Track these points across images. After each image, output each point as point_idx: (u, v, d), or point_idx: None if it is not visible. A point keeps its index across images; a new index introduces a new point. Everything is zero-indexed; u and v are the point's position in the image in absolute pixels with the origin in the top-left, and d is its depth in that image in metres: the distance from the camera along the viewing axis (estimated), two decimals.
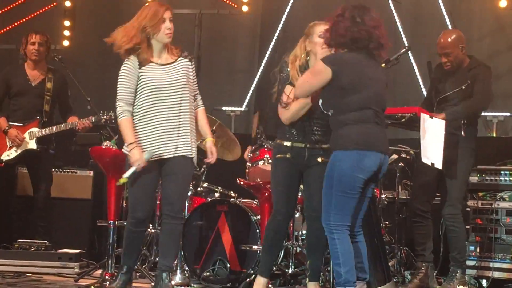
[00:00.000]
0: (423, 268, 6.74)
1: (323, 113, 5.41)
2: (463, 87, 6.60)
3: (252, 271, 6.63)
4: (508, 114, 9.36)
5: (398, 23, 9.80)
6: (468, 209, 7.22)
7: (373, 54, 5.27)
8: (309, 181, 5.81)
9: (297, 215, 6.99)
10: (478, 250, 7.15)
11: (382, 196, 7.28)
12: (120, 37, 5.66)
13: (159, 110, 5.66)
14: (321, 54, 5.63)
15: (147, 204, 5.78)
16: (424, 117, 6.11)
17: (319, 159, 5.72)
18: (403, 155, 7.24)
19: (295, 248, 6.83)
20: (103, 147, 6.58)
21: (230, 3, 10.43)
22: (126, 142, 5.66)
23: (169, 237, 5.74)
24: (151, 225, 7.59)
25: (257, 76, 10.31)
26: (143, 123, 5.68)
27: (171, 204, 5.71)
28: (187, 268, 6.81)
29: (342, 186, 5.09)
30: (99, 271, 6.81)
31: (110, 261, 6.47)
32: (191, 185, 7.19)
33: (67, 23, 10.58)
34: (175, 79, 5.74)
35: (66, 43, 10.53)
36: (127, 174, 5.62)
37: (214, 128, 7.20)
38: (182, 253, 6.74)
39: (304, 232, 6.95)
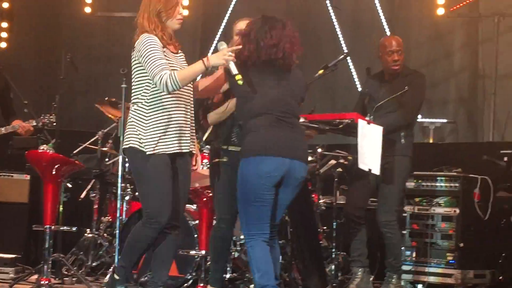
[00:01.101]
0: (359, 273, 6.79)
1: None
2: (400, 93, 6.67)
3: (190, 276, 6.61)
4: (445, 120, 9.48)
5: (338, 30, 9.87)
6: (405, 214, 7.30)
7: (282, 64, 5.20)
8: None
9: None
10: (414, 255, 7.24)
11: (320, 201, 7.32)
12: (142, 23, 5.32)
13: (178, 100, 5.15)
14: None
15: (171, 206, 5.17)
16: (362, 123, 6.16)
17: None
18: (341, 161, 7.30)
19: (233, 253, 6.82)
20: (40, 151, 6.50)
21: None
22: (199, 65, 5.04)
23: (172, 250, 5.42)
24: (88, 229, 7.55)
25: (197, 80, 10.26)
26: (161, 113, 5.11)
27: (178, 212, 5.30)
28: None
29: (247, 195, 5.03)
30: (35, 277, 6.72)
31: (46, 267, 6.38)
32: (129, 189, 7.16)
33: (4, 24, 10.43)
34: None
35: (3, 45, 10.39)
36: (234, 69, 4.96)
37: None
38: (119, 258, 6.68)
39: (242, 237, 6.95)
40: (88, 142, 7.80)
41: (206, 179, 6.77)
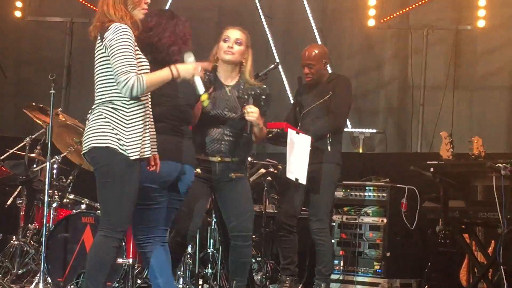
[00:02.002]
0: (287, 281, 6.81)
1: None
2: (325, 99, 6.73)
3: (117, 285, 6.55)
4: (374, 130, 9.58)
5: (270, 39, 9.91)
6: (334, 223, 7.35)
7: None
8: (225, 200, 5.64)
9: None
10: (342, 264, 7.30)
11: None
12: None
13: (148, 100, 4.83)
14: (224, 59, 5.65)
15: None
16: (291, 132, 6.20)
17: (232, 175, 5.58)
18: (271, 169, 7.31)
19: None
20: None
21: None
22: (167, 74, 4.73)
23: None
24: (14, 236, 7.43)
25: None
26: (140, 113, 4.73)
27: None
28: (50, 281, 6.66)
29: (139, 199, 4.92)
30: None
31: None
32: (56, 196, 7.08)
33: None
34: None
35: None
36: (201, 88, 4.80)
37: (82, 139, 7.09)
38: (45, 265, 6.59)
39: None
40: (15, 148, 7.68)
41: None
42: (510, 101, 9.17)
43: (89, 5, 10.24)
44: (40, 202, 7.32)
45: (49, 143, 6.50)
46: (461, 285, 6.82)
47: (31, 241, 7.40)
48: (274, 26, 10.04)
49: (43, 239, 6.59)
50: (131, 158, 4.66)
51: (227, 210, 5.64)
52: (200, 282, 6.76)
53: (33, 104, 7.32)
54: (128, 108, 4.69)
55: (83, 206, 7.12)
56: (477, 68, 9.37)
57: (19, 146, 7.65)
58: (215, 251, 6.84)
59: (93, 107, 4.83)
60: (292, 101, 9.52)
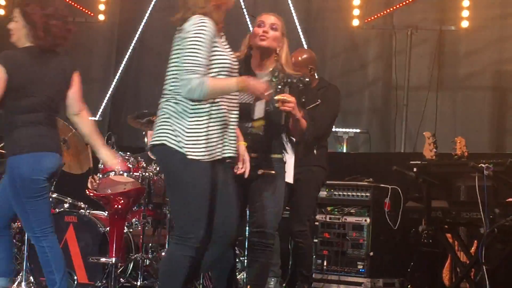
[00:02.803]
0: (271, 283, 6.81)
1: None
2: (311, 106, 6.71)
3: (99, 284, 6.54)
4: (358, 130, 9.60)
5: None
6: (317, 223, 7.36)
7: (53, 51, 5.16)
8: (249, 197, 5.17)
9: (147, 227, 6.94)
10: (325, 263, 7.31)
11: None
12: None
13: (227, 101, 4.56)
14: (258, 45, 5.16)
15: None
16: None
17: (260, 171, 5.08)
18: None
19: (145, 261, 6.78)
20: None
21: (87, 11, 10.29)
22: (233, 85, 4.46)
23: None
24: None
25: (113, 85, 10.21)
26: (206, 111, 4.46)
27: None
28: (32, 280, 6.64)
29: (29, 192, 5.00)
30: None
31: None
32: None
33: None
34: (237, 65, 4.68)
35: None
36: (259, 113, 4.58)
37: (67, 137, 7.09)
38: (28, 264, 6.57)
39: (154, 244, 6.92)
40: None
41: (118, 185, 6.73)
42: (493, 101, 9.21)
43: (73, 3, 10.22)
44: None
45: None
46: (443, 285, 6.84)
47: (14, 240, 7.37)
48: None
49: (26, 238, 6.57)
50: (188, 157, 4.37)
51: (249, 207, 5.25)
52: None
53: None
54: (192, 106, 4.41)
55: (66, 205, 7.12)
56: (461, 68, 9.40)
57: (1, 145, 7.61)
58: None
59: (159, 102, 4.60)
60: None
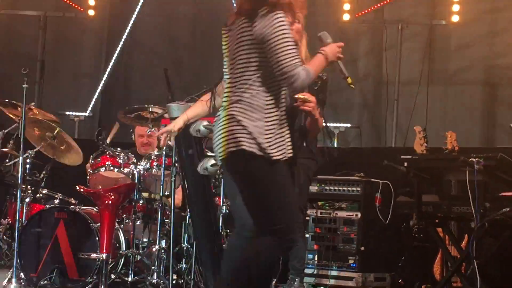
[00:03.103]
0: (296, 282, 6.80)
1: None
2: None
3: (90, 279, 6.53)
4: (349, 125, 9.60)
5: None
6: (308, 218, 7.35)
7: None
8: None
9: (138, 222, 6.93)
10: (316, 258, 7.30)
11: (223, 204, 7.30)
12: None
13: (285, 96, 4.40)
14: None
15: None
16: None
17: None
18: None
19: (135, 257, 6.76)
20: None
21: (76, 6, 10.25)
22: (323, 60, 4.37)
23: None
24: None
25: (103, 81, 10.19)
26: (278, 110, 4.30)
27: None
28: (23, 276, 6.62)
29: None
30: None
31: None
32: (30, 191, 7.03)
33: None
34: None
35: None
36: (345, 70, 4.44)
37: (55, 133, 7.09)
38: (18, 260, 6.55)
39: (145, 240, 6.91)
40: None
41: (109, 181, 6.73)
42: (483, 96, 9.23)
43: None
44: (13, 197, 7.27)
45: (21, 137, 6.46)
46: (434, 279, 6.85)
47: (4, 236, 7.35)
48: None
49: (16, 234, 6.55)
50: (273, 158, 4.22)
51: None
52: (175, 277, 6.74)
53: (6, 100, 7.26)
54: (267, 103, 4.24)
55: (56, 201, 7.09)
56: (451, 63, 9.41)
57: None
58: (189, 246, 6.83)
59: (223, 103, 4.34)
60: None
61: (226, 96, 4.34)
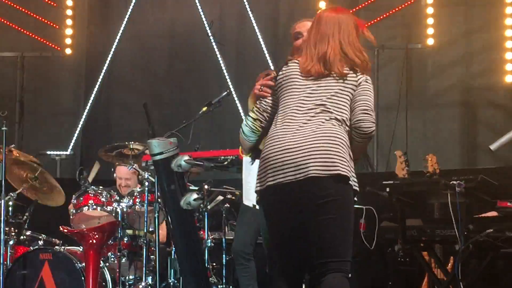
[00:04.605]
0: None
1: None
2: None
3: None
4: None
5: (222, 65, 9.93)
6: None
7: None
8: None
9: (123, 260, 6.89)
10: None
11: (208, 237, 7.29)
12: None
13: None
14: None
15: None
16: (247, 159, 6.18)
17: None
18: (229, 196, 7.30)
19: None
20: None
21: (53, 45, 10.27)
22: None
23: None
24: None
25: (83, 118, 10.18)
26: None
27: None
28: None
29: None
30: None
31: None
32: (13, 233, 7.00)
33: None
34: None
35: None
36: None
37: (36, 174, 7.07)
38: None
39: (131, 277, 6.88)
40: None
41: (92, 220, 6.71)
42: (463, 117, 9.29)
43: (39, 38, 10.21)
44: None
45: (2, 180, 6.44)
46: None
47: None
48: (226, 52, 10.06)
49: (1, 277, 6.51)
50: (354, 188, 4.32)
51: None
52: None
53: None
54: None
55: (40, 242, 7.06)
56: (429, 86, 9.48)
57: None
58: (175, 281, 6.80)
59: (313, 114, 4.37)
60: None
61: (333, 119, 4.35)
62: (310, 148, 4.26)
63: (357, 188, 4.34)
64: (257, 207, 6.08)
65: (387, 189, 6.35)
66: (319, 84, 4.39)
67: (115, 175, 7.54)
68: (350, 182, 4.28)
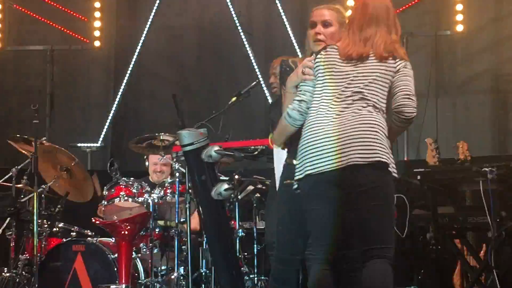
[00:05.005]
0: None
1: None
2: None
3: None
4: None
5: (251, 55, 9.92)
6: None
7: None
8: None
9: (155, 250, 6.92)
10: None
11: (239, 227, 7.30)
12: None
13: None
14: (315, 50, 4.69)
15: None
16: (277, 148, 6.17)
17: None
18: (259, 186, 7.30)
19: (154, 285, 6.76)
20: None
21: (82, 38, 10.32)
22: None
23: None
24: (5, 268, 7.39)
25: (112, 110, 10.22)
26: None
27: None
28: None
29: None
30: None
31: None
32: (46, 225, 7.05)
33: None
34: None
35: None
36: None
37: (70, 166, 7.13)
38: None
39: (163, 267, 6.90)
40: (2, 180, 7.65)
41: (124, 211, 6.73)
42: (493, 104, 9.22)
43: (68, 31, 10.26)
44: (30, 233, 7.29)
45: (35, 173, 6.48)
46: None
47: (23, 272, 7.36)
48: (254, 42, 10.05)
49: (35, 269, 6.57)
50: (394, 175, 4.32)
51: None
52: None
53: (18, 135, 7.30)
54: None
55: (73, 234, 7.11)
56: (459, 73, 9.40)
57: (6, 177, 7.62)
58: (208, 271, 6.82)
59: (351, 101, 4.36)
60: None
61: (371, 106, 4.35)
62: (349, 136, 4.26)
63: (396, 175, 4.33)
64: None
65: (418, 177, 6.32)
66: (358, 70, 4.38)
67: (147, 163, 7.56)
68: (389, 168, 4.27)
